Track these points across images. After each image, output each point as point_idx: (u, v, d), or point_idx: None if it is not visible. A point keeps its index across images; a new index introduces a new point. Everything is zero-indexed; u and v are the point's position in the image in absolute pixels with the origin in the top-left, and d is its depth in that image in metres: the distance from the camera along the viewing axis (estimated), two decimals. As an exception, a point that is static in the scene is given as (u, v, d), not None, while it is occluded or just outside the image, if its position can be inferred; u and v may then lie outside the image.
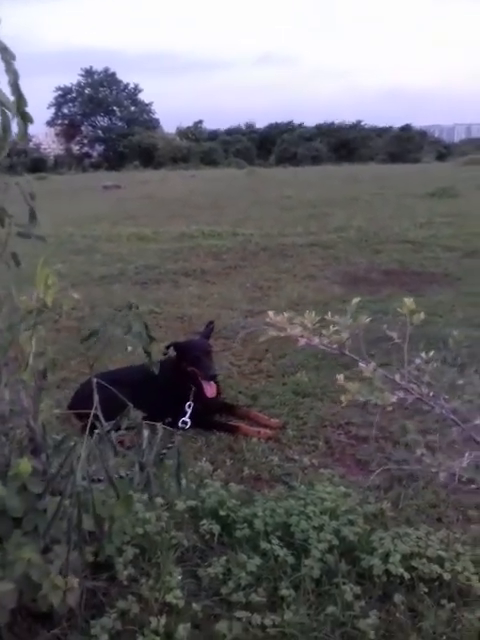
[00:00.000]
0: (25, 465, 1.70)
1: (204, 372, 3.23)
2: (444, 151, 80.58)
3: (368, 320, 1.60)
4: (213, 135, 73.84)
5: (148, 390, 3.26)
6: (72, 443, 1.67)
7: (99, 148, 59.00)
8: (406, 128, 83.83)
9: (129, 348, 1.73)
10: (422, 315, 1.63)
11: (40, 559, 1.60)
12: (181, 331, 4.89)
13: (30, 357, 1.66)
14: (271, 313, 1.58)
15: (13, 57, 1.12)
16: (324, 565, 2.05)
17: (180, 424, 3.16)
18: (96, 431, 1.83)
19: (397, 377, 1.54)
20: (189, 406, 3.21)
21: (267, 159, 67.83)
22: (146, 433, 1.89)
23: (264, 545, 2.12)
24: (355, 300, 1.64)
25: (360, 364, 1.60)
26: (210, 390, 3.24)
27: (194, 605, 1.91)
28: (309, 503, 2.31)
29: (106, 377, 3.41)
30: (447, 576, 2.00)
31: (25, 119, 1.18)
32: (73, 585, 1.70)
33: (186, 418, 3.19)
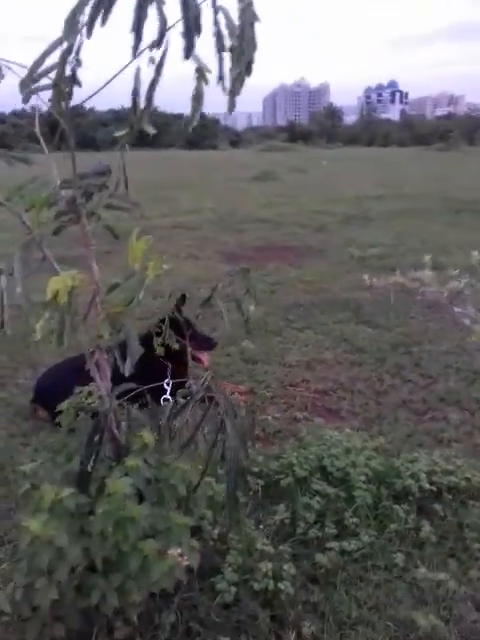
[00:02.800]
0: (148, 436, 1.70)
1: (207, 343, 3.29)
2: (236, 139, 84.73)
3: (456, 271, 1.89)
4: (1, 117, 68.88)
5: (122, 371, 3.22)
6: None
7: None
8: (201, 116, 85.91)
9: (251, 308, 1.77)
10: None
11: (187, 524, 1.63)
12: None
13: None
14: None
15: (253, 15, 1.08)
16: (369, 493, 2.33)
17: (162, 402, 3.17)
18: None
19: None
20: (168, 383, 3.23)
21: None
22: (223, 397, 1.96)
23: (316, 486, 2.33)
24: (428, 257, 1.92)
25: (456, 310, 1.88)
26: (206, 359, 3.31)
27: (281, 548, 2.06)
28: (331, 446, 2.57)
29: (76, 362, 3.30)
30: (463, 483, 2.41)
31: (234, 93, 1.17)
32: (196, 546, 1.76)
33: (167, 395, 3.21)
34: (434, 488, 2.37)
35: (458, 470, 2.48)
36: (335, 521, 2.22)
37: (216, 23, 1.07)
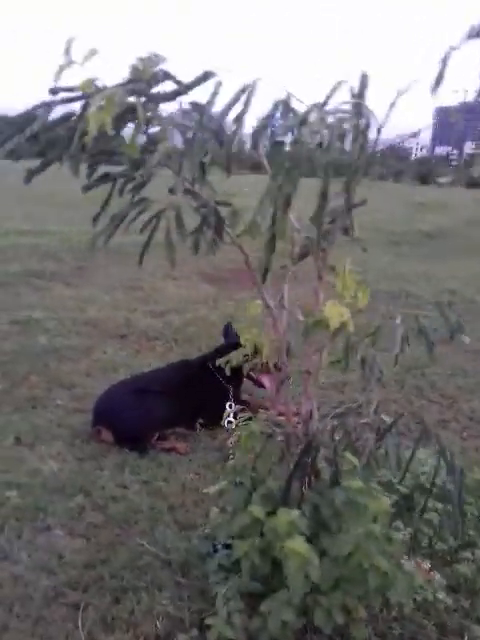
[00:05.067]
0: (354, 458, 1.78)
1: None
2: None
3: None
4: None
5: (185, 391, 3.21)
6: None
7: None
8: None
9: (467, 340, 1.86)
10: None
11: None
12: (98, 335, 4.64)
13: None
14: None
15: None
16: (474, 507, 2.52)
17: (226, 425, 3.18)
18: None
19: None
20: (230, 406, 3.25)
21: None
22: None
23: (426, 502, 2.49)
24: None
25: None
26: (269, 384, 3.35)
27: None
28: (419, 465, 2.74)
29: (133, 384, 3.25)
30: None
31: None
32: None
33: (231, 418, 3.22)
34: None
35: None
36: (451, 533, 2.38)
37: None
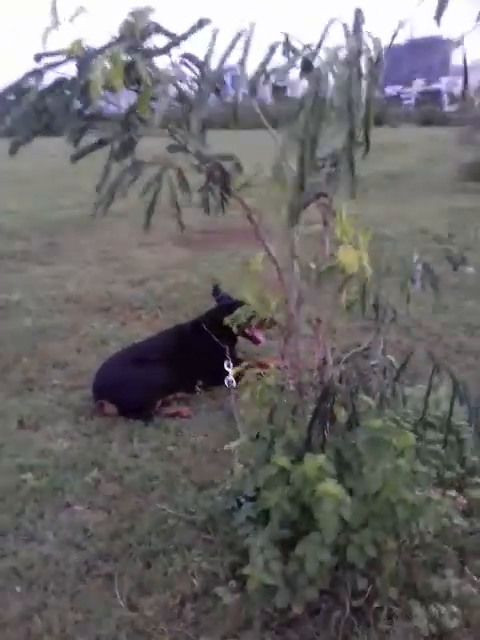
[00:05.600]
0: (370, 400, 1.82)
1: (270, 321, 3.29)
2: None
3: None
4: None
5: (182, 356, 3.21)
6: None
7: None
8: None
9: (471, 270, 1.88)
10: None
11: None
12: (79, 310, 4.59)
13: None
14: None
15: None
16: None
17: (227, 384, 3.20)
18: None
19: None
20: (229, 366, 3.26)
21: None
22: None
23: (430, 436, 2.57)
24: None
25: None
26: (263, 338, 3.37)
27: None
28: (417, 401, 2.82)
29: (130, 354, 3.23)
30: None
31: None
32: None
33: (230, 377, 3.24)
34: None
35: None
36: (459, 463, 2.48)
37: None
